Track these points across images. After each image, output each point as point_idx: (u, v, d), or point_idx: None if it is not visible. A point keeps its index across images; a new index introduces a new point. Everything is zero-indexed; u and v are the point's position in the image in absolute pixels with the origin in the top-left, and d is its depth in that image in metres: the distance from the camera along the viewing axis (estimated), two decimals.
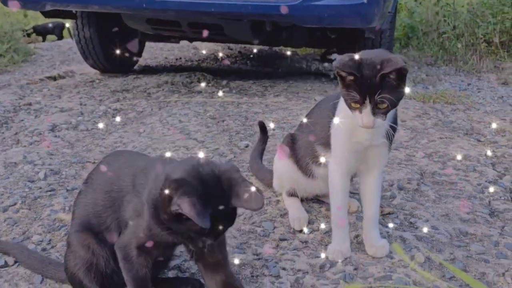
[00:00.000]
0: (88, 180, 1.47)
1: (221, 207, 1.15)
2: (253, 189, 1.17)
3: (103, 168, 1.42)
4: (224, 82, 4.43)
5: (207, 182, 1.16)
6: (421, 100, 3.83)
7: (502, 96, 4.12)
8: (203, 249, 1.23)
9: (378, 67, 1.37)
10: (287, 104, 3.59)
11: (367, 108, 1.40)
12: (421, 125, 3.13)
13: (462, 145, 2.72)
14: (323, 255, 1.63)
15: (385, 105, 1.40)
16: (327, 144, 1.68)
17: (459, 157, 2.52)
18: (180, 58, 6.15)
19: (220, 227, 1.18)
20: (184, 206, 1.09)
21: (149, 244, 1.26)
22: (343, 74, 1.41)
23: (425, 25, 6.73)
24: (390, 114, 1.49)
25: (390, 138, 1.58)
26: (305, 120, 1.87)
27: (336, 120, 1.57)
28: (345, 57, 1.42)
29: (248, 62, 6.01)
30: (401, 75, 1.39)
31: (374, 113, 1.41)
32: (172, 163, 1.26)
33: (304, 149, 1.82)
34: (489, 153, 2.57)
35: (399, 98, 1.42)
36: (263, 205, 1.18)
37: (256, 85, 4.34)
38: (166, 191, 1.14)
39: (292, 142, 1.89)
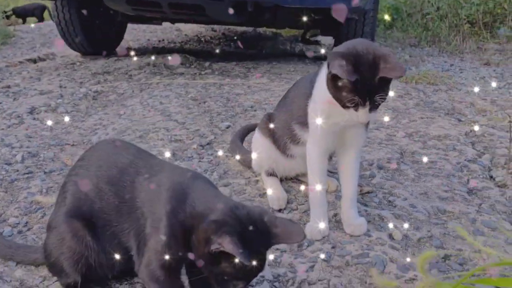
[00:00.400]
0: (86, 163, 1.36)
1: (257, 248, 1.12)
2: (289, 224, 1.16)
3: (107, 153, 1.35)
4: (207, 63, 4.39)
5: (245, 224, 1.12)
6: (404, 81, 3.83)
7: (484, 77, 4.14)
8: None
9: (376, 67, 1.34)
10: (269, 85, 3.57)
11: (366, 108, 1.39)
12: (403, 106, 3.14)
13: (443, 125, 2.73)
14: None
15: (381, 102, 1.40)
16: (304, 123, 1.67)
17: (437, 134, 2.53)
18: (163, 40, 6.08)
19: (254, 270, 1.13)
20: (226, 243, 1.05)
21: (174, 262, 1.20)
22: (345, 81, 1.36)
23: (409, 6, 6.73)
24: None
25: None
26: (283, 99, 1.86)
27: (313, 103, 1.57)
28: (341, 61, 1.34)
29: (232, 44, 5.97)
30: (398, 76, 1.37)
31: (370, 110, 1.40)
32: (197, 190, 1.21)
33: (281, 129, 1.81)
34: (476, 128, 2.58)
35: (388, 93, 1.42)
36: (305, 235, 1.16)
37: (239, 67, 4.31)
38: (206, 233, 1.10)
39: (270, 121, 1.88)
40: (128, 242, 1.27)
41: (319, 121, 1.52)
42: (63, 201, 1.35)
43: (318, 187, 1.63)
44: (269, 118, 1.89)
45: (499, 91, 3.69)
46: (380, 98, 1.37)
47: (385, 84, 1.38)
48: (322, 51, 1.74)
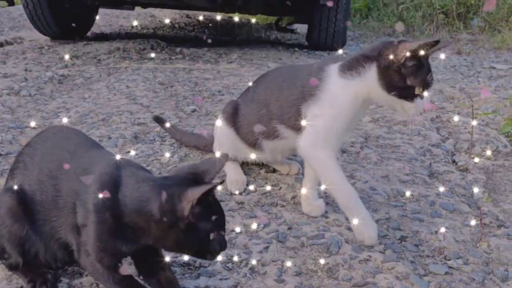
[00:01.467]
0: (32, 150, 1.31)
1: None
2: (208, 159, 1.19)
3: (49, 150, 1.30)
4: (178, 49, 4.33)
5: (185, 180, 1.12)
6: None
7: (455, 65, 4.17)
8: (222, 249, 1.17)
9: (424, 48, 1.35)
10: (239, 71, 3.54)
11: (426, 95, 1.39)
12: None
13: None
14: (258, 215, 1.61)
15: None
16: (295, 126, 1.57)
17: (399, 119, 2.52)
18: (136, 26, 5.99)
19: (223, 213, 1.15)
20: (192, 194, 1.05)
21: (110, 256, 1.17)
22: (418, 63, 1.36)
23: None
24: None
25: None
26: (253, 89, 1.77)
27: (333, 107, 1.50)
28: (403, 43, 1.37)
29: (206, 30, 5.91)
30: None
31: None
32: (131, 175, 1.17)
33: (252, 123, 1.70)
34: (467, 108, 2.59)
35: None
36: (224, 161, 1.18)
37: (210, 52, 4.26)
38: (165, 210, 1.07)
39: (235, 111, 1.79)
40: (66, 236, 1.22)
41: (340, 124, 1.48)
42: (7, 185, 1.31)
43: (345, 185, 1.51)
44: (235, 107, 1.80)
45: (468, 79, 3.72)
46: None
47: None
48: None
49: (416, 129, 2.45)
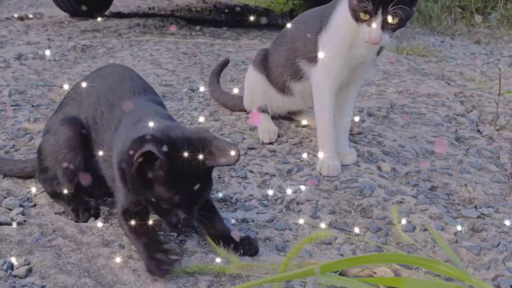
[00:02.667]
0: (88, 86, 1.33)
1: (192, 171, 1.07)
2: (226, 144, 1.10)
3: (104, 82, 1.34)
4: (198, 27, 4.35)
5: (176, 144, 1.07)
6: (394, 51, 3.83)
7: (474, 53, 4.17)
8: (177, 227, 1.12)
9: None
10: (261, 46, 3.54)
11: (378, 20, 1.36)
12: (394, 70, 3.15)
13: (433, 85, 2.75)
14: (291, 161, 1.63)
15: (396, 20, 1.36)
16: (312, 58, 1.62)
17: (428, 92, 2.54)
18: (153, 8, 6.01)
19: (193, 196, 1.09)
20: (144, 148, 1.02)
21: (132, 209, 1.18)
22: None
23: None
24: None
25: (379, 52, 1.57)
26: (280, 36, 1.83)
27: (330, 33, 1.55)
28: None
29: (222, 15, 5.93)
30: None
31: (383, 27, 1.37)
32: (139, 123, 1.15)
33: (281, 65, 1.76)
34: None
35: (409, 18, 1.40)
36: (239, 157, 1.07)
37: (230, 32, 4.28)
38: (131, 152, 1.06)
39: (265, 58, 1.85)
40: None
41: (337, 53, 1.50)
42: (65, 111, 1.36)
43: (329, 122, 1.60)
44: (265, 54, 1.86)
45: (488, 66, 3.73)
46: (394, 11, 1.34)
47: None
48: None
49: (440, 100, 2.46)
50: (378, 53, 1.59)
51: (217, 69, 2.19)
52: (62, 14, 4.91)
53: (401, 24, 1.40)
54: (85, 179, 1.30)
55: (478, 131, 2.19)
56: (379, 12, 1.35)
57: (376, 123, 2.08)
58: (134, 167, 1.05)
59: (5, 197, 1.40)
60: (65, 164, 1.29)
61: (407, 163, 1.72)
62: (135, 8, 5.93)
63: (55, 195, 1.37)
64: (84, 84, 1.34)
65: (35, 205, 1.38)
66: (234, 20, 5.39)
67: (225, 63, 2.22)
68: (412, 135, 1.98)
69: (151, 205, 1.11)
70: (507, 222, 1.39)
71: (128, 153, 1.07)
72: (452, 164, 1.76)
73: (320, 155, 1.59)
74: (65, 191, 1.31)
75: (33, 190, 1.41)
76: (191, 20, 4.99)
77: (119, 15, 4.89)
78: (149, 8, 5.96)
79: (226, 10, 6.40)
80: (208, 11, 6.27)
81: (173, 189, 1.06)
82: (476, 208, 1.48)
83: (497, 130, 2.18)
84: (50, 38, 3.73)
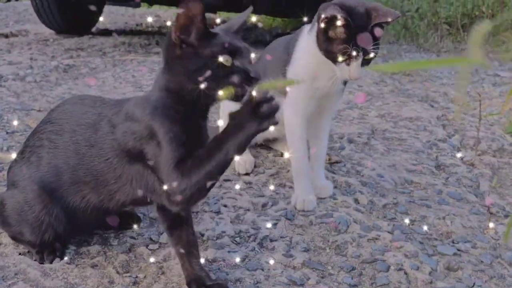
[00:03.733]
0: (58, 132, 1.25)
1: None
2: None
3: (76, 119, 1.25)
4: None
5: None
6: (380, 70, 3.84)
7: (459, 71, 4.17)
8: (242, 97, 1.04)
9: (369, 16, 1.33)
10: None
11: (358, 61, 1.35)
12: (377, 91, 3.14)
13: (415, 108, 2.73)
14: (266, 194, 1.60)
15: (372, 55, 1.37)
16: (282, 91, 1.60)
17: (409, 116, 2.53)
18: (141, 24, 6.00)
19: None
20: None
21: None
22: (339, 22, 1.33)
23: (390, 6, 6.77)
24: None
25: (345, 82, 1.55)
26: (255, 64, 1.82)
27: (294, 67, 1.54)
28: (335, 6, 1.33)
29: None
30: (386, 23, 1.37)
31: (362, 64, 1.37)
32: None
33: None
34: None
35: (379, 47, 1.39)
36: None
37: None
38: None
39: None
40: (130, 192, 1.18)
41: (301, 86, 1.48)
42: (34, 163, 1.26)
43: (302, 154, 1.58)
44: None
45: (473, 85, 3.73)
46: (374, 49, 1.34)
47: (377, 33, 1.36)
48: None
49: (422, 125, 2.45)
50: (345, 83, 1.56)
51: None
52: (47, 31, 4.88)
53: (374, 57, 1.41)
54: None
55: (460, 157, 2.17)
56: (360, 54, 1.35)
57: (356, 150, 2.06)
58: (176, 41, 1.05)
59: None
60: (34, 222, 1.24)
61: (385, 195, 1.70)
62: (122, 25, 5.91)
63: (17, 240, 1.32)
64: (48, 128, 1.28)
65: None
66: None
67: None
68: (392, 163, 1.95)
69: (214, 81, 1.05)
70: (484, 259, 1.37)
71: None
72: (431, 194, 1.74)
73: (296, 188, 1.58)
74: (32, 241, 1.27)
75: None
76: None
77: (105, 32, 4.87)
78: (137, 25, 5.95)
79: (214, 26, 6.39)
80: None
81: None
82: (453, 242, 1.46)
83: (479, 155, 2.16)
84: (33, 57, 3.70)
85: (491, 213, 1.65)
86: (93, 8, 4.69)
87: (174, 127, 1.08)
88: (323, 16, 1.35)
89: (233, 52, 1.05)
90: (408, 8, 6.11)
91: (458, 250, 1.41)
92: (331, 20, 1.35)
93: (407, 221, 1.53)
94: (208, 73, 1.03)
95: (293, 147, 1.58)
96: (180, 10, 1.02)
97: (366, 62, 1.38)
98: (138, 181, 1.15)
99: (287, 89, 1.57)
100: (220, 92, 1.04)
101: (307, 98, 1.54)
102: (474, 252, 1.41)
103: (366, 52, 1.36)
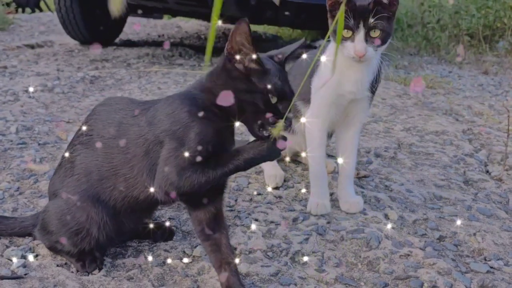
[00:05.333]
0: (89, 133, 1.29)
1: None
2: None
3: (104, 118, 1.29)
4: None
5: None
6: (402, 83, 3.84)
7: (482, 84, 4.15)
8: (281, 116, 1.11)
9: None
10: None
11: (360, 33, 1.41)
12: (401, 104, 3.13)
13: (441, 122, 2.73)
14: (297, 208, 1.61)
15: (378, 32, 1.41)
16: (307, 100, 1.66)
17: (436, 130, 2.52)
18: (163, 35, 6.07)
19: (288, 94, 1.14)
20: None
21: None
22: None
23: (410, 18, 6.76)
24: (375, 64, 1.49)
25: (373, 90, 1.57)
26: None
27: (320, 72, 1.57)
28: None
29: None
30: (392, 5, 1.41)
31: (366, 40, 1.41)
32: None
33: None
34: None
35: (390, 31, 1.43)
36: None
37: None
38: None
39: None
40: (143, 182, 1.21)
41: (325, 91, 1.53)
42: (69, 169, 1.30)
43: (320, 161, 1.63)
44: None
45: (496, 98, 3.70)
46: (375, 23, 1.39)
47: (382, 11, 1.40)
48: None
49: (448, 139, 2.44)
50: (373, 91, 1.58)
51: None
52: (72, 42, 4.97)
53: (383, 37, 1.43)
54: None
55: (487, 171, 2.16)
56: (361, 26, 1.40)
57: (383, 164, 2.06)
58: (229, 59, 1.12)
59: (7, 247, 1.39)
60: (75, 230, 1.27)
61: (414, 210, 1.70)
62: (144, 36, 6.00)
63: (54, 249, 1.35)
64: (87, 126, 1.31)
65: (37, 255, 1.36)
66: None
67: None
68: (420, 178, 1.95)
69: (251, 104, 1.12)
70: None
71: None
72: (460, 210, 1.73)
73: (311, 194, 1.65)
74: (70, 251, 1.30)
75: (36, 240, 1.40)
76: (200, 48, 5.03)
77: (128, 43, 4.93)
78: (159, 36, 6.02)
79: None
80: (217, 38, 6.32)
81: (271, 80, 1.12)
82: (485, 260, 1.45)
83: (506, 170, 2.15)
84: (60, 68, 3.77)
85: None
86: (117, 17, 4.78)
87: (205, 128, 1.14)
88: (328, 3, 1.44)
89: (281, 96, 1.12)
90: (429, 20, 6.09)
91: (491, 267, 1.41)
92: (335, 3, 1.44)
93: (437, 237, 1.53)
94: (252, 100, 1.11)
95: (312, 152, 1.63)
96: (233, 27, 1.08)
97: (372, 40, 1.42)
98: (148, 173, 1.20)
99: (311, 95, 1.63)
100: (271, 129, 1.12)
101: (328, 105, 1.58)
102: (507, 269, 1.40)
103: (369, 27, 1.40)
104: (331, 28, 1.46)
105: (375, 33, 1.40)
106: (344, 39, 1.43)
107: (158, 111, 1.20)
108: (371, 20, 1.38)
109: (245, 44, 1.09)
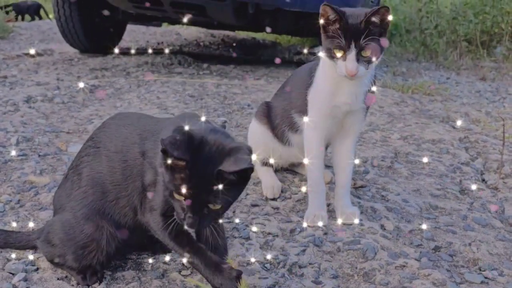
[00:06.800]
0: (96, 145, 1.34)
1: (206, 172, 1.09)
2: (240, 153, 1.11)
3: (113, 131, 1.34)
4: (205, 65, 4.41)
5: (196, 145, 1.11)
6: (400, 90, 3.86)
7: (479, 90, 4.18)
8: (182, 221, 1.14)
9: (363, 15, 1.42)
10: (267, 87, 3.59)
11: (352, 53, 1.43)
12: (398, 112, 3.16)
13: (437, 130, 2.75)
14: (294, 220, 1.64)
15: (368, 52, 1.43)
16: (303, 111, 1.69)
17: (432, 138, 2.54)
18: (162, 43, 6.10)
19: (201, 198, 1.10)
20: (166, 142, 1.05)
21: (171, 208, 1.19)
22: (330, 16, 1.43)
23: (408, 23, 6.79)
24: (369, 76, 1.51)
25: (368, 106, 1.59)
26: (280, 89, 1.89)
27: (316, 83, 1.60)
28: (326, 4, 1.45)
29: (230, 49, 6.00)
30: (384, 23, 1.43)
31: (358, 59, 1.43)
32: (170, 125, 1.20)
33: (280, 117, 1.82)
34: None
35: (382, 48, 1.45)
36: (248, 165, 1.08)
37: (237, 69, 4.33)
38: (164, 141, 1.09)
39: (267, 110, 1.89)
40: (134, 202, 1.27)
41: (320, 103, 1.56)
42: (76, 181, 1.33)
43: (318, 172, 1.66)
44: (267, 106, 1.90)
45: (494, 104, 3.73)
46: (366, 43, 1.41)
47: (374, 30, 1.42)
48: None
49: (445, 147, 2.46)
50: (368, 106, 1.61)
51: None
52: (72, 50, 4.99)
53: (375, 55, 1.45)
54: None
55: (483, 180, 2.18)
56: (352, 46, 1.42)
57: (380, 174, 2.09)
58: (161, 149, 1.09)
59: (8, 260, 1.41)
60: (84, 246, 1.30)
61: (410, 220, 1.72)
62: (144, 43, 6.03)
63: (56, 263, 1.36)
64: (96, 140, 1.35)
65: (37, 268, 1.38)
66: (242, 55, 5.46)
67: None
68: (416, 188, 1.98)
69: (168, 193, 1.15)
70: None
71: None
72: (456, 220, 1.75)
73: (309, 205, 1.68)
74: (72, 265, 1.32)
75: (36, 253, 1.42)
76: (199, 56, 5.06)
77: (127, 52, 4.96)
78: (158, 43, 6.05)
79: (234, 44, 6.48)
80: (216, 45, 6.36)
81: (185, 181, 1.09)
82: (480, 270, 1.47)
83: (502, 178, 2.17)
84: (60, 77, 3.80)
85: None
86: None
87: None
88: (321, 12, 1.46)
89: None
90: (426, 26, 6.12)
91: (485, 278, 1.43)
92: (327, 18, 1.46)
93: (433, 248, 1.55)
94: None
95: (310, 164, 1.64)
96: None
97: (363, 59, 1.44)
98: (136, 195, 1.26)
99: (308, 108, 1.65)
100: None
101: (324, 116, 1.61)
102: (502, 280, 1.42)
103: (360, 47, 1.42)
104: (323, 44, 1.49)
105: (366, 53, 1.43)
106: (336, 57, 1.46)
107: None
108: (363, 41, 1.40)
109: None
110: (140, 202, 1.26)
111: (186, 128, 1.11)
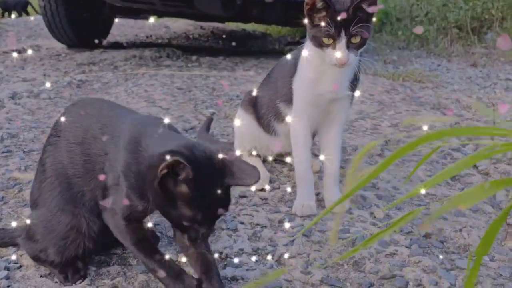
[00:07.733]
0: (57, 134, 1.28)
1: (214, 189, 1.07)
2: (247, 165, 1.12)
3: (74, 120, 1.26)
4: (194, 57, 4.37)
5: (198, 158, 1.07)
6: (391, 78, 3.84)
7: (470, 77, 4.16)
8: (196, 240, 1.14)
9: (349, 1, 1.38)
10: (256, 78, 3.55)
11: (342, 42, 1.40)
12: (389, 99, 3.14)
13: (428, 117, 2.73)
14: (282, 210, 1.61)
15: (358, 39, 1.40)
16: (289, 101, 1.66)
17: (424, 127, 2.52)
18: (151, 36, 6.05)
19: (214, 213, 1.09)
20: (169, 160, 1.00)
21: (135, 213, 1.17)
22: (318, 4, 1.39)
23: (399, 11, 6.76)
24: (355, 62, 1.49)
25: (353, 89, 1.57)
26: (266, 78, 1.86)
27: (300, 70, 1.57)
28: None
29: (219, 41, 5.95)
30: (371, 7, 1.40)
31: (348, 47, 1.40)
32: (154, 135, 1.14)
33: (266, 106, 1.79)
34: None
35: (369, 33, 1.42)
36: (258, 179, 1.10)
37: (226, 61, 4.29)
38: (154, 165, 1.04)
39: (253, 100, 1.87)
40: (97, 198, 1.23)
41: (305, 92, 1.54)
42: (43, 173, 1.29)
43: (305, 161, 1.64)
44: (252, 96, 1.87)
45: (485, 90, 3.71)
46: (356, 31, 1.38)
47: (362, 16, 1.39)
48: None
49: None
50: (353, 89, 1.58)
51: (204, 126, 2.15)
52: (59, 46, 4.94)
53: (363, 42, 1.43)
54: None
55: (474, 166, 2.16)
56: (342, 34, 1.39)
57: (370, 162, 2.06)
58: (157, 181, 1.04)
59: None
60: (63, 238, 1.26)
61: (401, 208, 1.70)
62: (132, 37, 5.97)
63: (38, 259, 1.33)
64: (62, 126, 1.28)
65: (20, 266, 1.35)
66: (231, 47, 5.42)
67: (210, 121, 2.17)
68: (407, 175, 1.96)
69: (171, 221, 1.13)
70: (503, 272, 1.36)
71: (154, 168, 1.05)
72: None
73: (297, 195, 1.65)
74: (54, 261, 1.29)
75: (19, 250, 1.39)
76: (188, 48, 5.01)
77: (116, 45, 4.92)
78: (147, 37, 6.00)
79: (224, 36, 6.44)
80: (205, 37, 6.31)
81: (196, 207, 1.06)
82: (471, 255, 1.45)
83: (493, 163, 2.15)
84: (46, 73, 3.75)
85: (508, 224, 1.64)
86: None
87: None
88: (306, 1, 1.42)
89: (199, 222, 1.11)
90: (417, 13, 6.10)
91: None
92: (313, 6, 1.42)
93: (423, 234, 1.53)
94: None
95: (297, 153, 1.64)
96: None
97: (353, 45, 1.41)
98: (99, 192, 1.22)
99: (294, 96, 1.63)
100: None
101: (309, 105, 1.59)
102: (493, 265, 1.40)
103: (350, 34, 1.39)
104: (309, 33, 1.46)
105: (357, 39, 1.40)
106: (325, 45, 1.43)
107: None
108: (352, 28, 1.37)
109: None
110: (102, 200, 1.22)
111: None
